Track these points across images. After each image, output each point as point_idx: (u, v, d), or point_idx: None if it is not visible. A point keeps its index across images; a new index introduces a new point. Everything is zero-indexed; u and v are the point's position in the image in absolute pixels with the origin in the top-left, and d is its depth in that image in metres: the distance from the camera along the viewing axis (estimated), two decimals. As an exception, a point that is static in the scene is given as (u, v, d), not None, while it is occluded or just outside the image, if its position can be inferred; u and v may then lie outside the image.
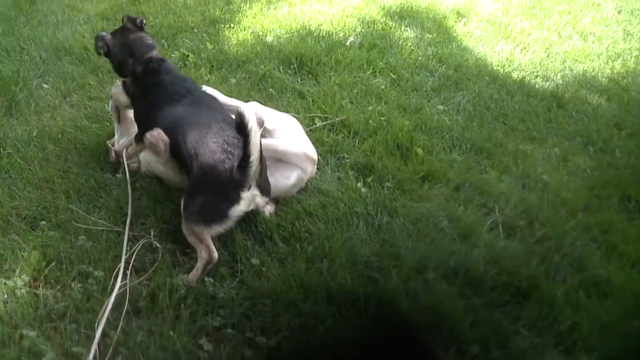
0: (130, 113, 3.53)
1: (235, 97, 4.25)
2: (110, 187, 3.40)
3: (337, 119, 4.14)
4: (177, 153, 3.02)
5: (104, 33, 3.41)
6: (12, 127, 4.00)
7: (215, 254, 2.82)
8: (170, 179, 3.39)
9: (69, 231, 3.07)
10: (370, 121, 4.19)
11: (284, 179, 3.28)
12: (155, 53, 3.36)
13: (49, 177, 3.46)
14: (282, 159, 3.28)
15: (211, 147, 2.81)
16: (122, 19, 3.48)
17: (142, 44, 3.35)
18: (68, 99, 4.39)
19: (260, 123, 3.12)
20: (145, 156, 3.44)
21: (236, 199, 2.74)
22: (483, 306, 2.85)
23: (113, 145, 3.65)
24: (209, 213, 2.77)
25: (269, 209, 3.16)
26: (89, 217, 3.17)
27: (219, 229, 2.81)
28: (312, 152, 3.39)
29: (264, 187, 2.91)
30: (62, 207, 3.22)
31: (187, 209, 2.80)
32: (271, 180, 3.11)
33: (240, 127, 2.55)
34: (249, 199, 2.79)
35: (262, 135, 3.24)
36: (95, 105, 4.24)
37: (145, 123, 3.23)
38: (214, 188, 2.75)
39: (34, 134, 3.87)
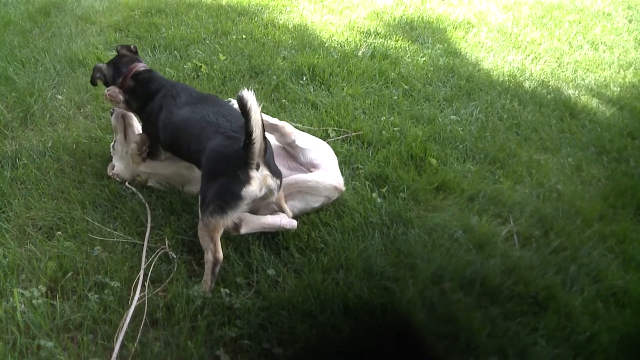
0: (134, 121, 3.67)
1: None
2: (125, 198, 3.41)
3: (353, 133, 4.14)
4: (188, 152, 3.11)
5: (100, 64, 3.60)
6: (27, 138, 4.03)
7: (221, 255, 2.81)
8: (176, 180, 3.50)
9: (84, 242, 3.07)
10: (383, 132, 4.20)
11: (313, 203, 3.33)
12: (141, 66, 3.52)
13: (64, 188, 3.47)
14: (311, 192, 3.32)
15: (217, 137, 2.89)
16: (117, 49, 3.69)
17: (127, 61, 3.54)
18: (82, 110, 4.42)
19: (291, 142, 3.39)
20: (149, 170, 3.50)
21: (247, 179, 2.73)
22: (500, 316, 2.83)
23: (114, 169, 3.65)
24: (222, 198, 2.75)
25: (290, 222, 3.17)
26: (104, 227, 3.17)
27: (234, 215, 2.79)
28: (341, 183, 3.38)
29: (274, 169, 2.91)
30: (78, 218, 3.23)
31: (203, 202, 2.81)
32: (300, 202, 3.27)
33: (241, 107, 2.54)
34: (260, 179, 2.78)
35: (295, 155, 3.43)
36: (108, 116, 4.23)
37: (154, 131, 3.32)
38: (223, 172, 2.77)
39: (49, 145, 3.89)
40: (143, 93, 3.39)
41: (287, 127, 3.46)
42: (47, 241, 3.09)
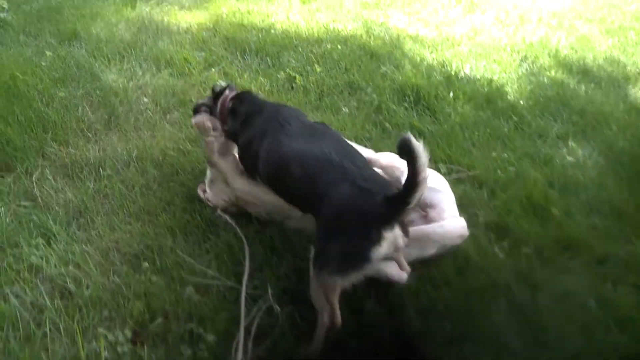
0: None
1: (349, 129, 3.91)
2: (219, 228, 3.04)
3: (469, 173, 3.69)
4: (298, 193, 2.66)
5: (200, 102, 3.30)
6: (111, 143, 3.74)
7: (339, 319, 2.43)
8: (276, 212, 3.04)
9: (174, 278, 2.72)
10: (498, 171, 3.74)
11: (430, 250, 2.90)
12: (233, 89, 3.20)
13: (151, 209, 3.15)
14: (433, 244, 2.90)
15: (345, 185, 2.42)
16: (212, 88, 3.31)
17: (223, 89, 3.20)
18: (168, 116, 4.10)
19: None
20: (246, 188, 3.06)
21: (378, 240, 2.30)
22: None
23: (205, 192, 3.25)
24: (347, 257, 2.35)
25: (399, 275, 2.75)
26: (195, 263, 2.81)
27: (356, 276, 2.37)
28: (465, 228, 2.94)
29: (406, 227, 2.47)
30: (166, 248, 2.88)
31: (320, 258, 2.40)
32: (416, 250, 2.81)
33: (406, 155, 2.10)
34: (391, 240, 2.34)
35: None
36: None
37: (253, 162, 2.88)
38: (354, 229, 2.34)
39: (134, 154, 3.58)
40: (242, 115, 2.99)
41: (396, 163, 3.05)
42: (133, 273, 2.75)
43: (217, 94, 3.18)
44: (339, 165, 2.48)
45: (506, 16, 7.05)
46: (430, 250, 2.90)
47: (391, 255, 2.52)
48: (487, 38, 6.22)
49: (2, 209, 3.12)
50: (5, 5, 5.57)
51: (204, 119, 3.12)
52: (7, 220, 3.06)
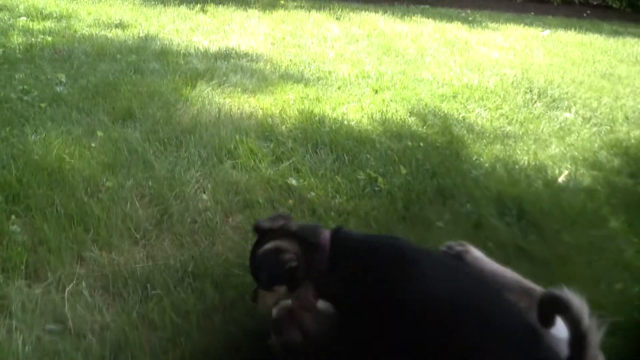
0: None
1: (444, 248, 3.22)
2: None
3: (611, 319, 2.94)
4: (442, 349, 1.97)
5: (280, 245, 2.30)
6: (162, 249, 3.11)
7: None
8: None
9: None
10: (635, 313, 2.99)
11: None
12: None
13: (211, 351, 2.45)
14: None
15: (499, 337, 1.92)
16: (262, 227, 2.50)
17: (308, 228, 2.44)
18: (231, 219, 3.47)
19: None
20: None
21: None
22: None
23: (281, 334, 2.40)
24: None
25: None
26: None
27: None
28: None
29: None
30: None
31: None
32: None
33: (570, 319, 1.81)
34: None
35: None
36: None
37: (375, 319, 2.10)
38: None
39: (190, 268, 2.94)
40: (350, 269, 2.22)
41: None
42: None
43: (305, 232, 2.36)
44: (491, 316, 1.97)
45: (592, 114, 6.44)
46: None
47: None
48: (578, 139, 5.56)
49: (23, 334, 2.47)
50: (63, 79, 5.18)
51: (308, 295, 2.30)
52: (27, 350, 2.40)
